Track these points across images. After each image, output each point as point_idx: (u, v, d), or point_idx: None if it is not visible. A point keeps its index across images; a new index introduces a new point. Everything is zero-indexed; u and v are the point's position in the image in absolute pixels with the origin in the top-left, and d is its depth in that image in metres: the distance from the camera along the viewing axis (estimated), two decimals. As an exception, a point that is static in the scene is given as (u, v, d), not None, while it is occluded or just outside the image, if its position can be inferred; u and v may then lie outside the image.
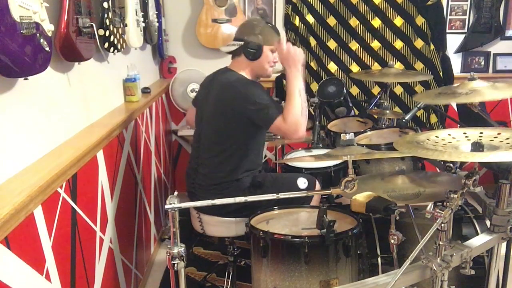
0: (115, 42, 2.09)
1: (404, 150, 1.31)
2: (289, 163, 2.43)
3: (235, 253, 2.28)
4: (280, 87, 3.68)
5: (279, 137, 2.56)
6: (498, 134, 1.34)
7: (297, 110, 2.01)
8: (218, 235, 2.21)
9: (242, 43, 2.17)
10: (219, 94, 2.15)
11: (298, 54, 2.11)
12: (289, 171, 2.42)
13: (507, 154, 1.19)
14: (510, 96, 1.69)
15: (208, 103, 2.20)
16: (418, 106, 2.29)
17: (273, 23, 3.63)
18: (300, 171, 2.35)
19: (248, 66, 2.19)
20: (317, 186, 2.22)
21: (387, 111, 2.65)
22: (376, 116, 2.72)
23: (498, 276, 1.64)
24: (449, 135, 1.39)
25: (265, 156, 3.76)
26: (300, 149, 2.72)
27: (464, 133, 1.38)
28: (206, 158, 2.18)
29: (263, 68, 2.20)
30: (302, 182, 2.16)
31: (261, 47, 2.16)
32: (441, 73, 3.64)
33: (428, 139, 1.37)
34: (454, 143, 1.34)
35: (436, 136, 1.39)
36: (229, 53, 2.24)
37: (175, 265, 1.31)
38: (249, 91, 2.07)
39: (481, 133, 1.36)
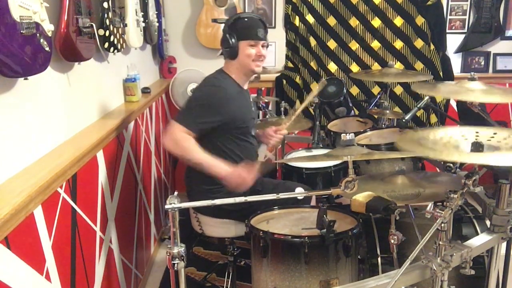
0: (115, 42, 2.09)
1: (406, 147, 1.31)
2: (289, 163, 2.43)
3: (235, 253, 2.28)
4: (280, 87, 3.69)
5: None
6: (495, 134, 1.35)
7: (192, 153, 1.95)
8: (217, 235, 2.21)
9: None
10: None
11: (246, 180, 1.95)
12: (289, 171, 2.41)
13: (507, 155, 1.19)
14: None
15: None
16: (418, 106, 2.28)
17: (273, 23, 3.65)
18: (300, 171, 2.35)
19: (232, 65, 2.13)
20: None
21: (387, 111, 2.65)
22: (376, 116, 2.72)
23: (498, 276, 1.64)
24: (448, 136, 1.39)
25: (265, 156, 3.77)
26: (300, 149, 2.72)
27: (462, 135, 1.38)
28: None
29: (246, 64, 2.09)
30: (300, 191, 2.11)
31: (235, 44, 2.07)
32: (441, 73, 3.64)
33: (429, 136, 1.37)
34: (454, 142, 1.34)
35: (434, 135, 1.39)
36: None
37: (175, 265, 1.31)
38: (195, 92, 2.15)
39: (477, 132, 1.36)
